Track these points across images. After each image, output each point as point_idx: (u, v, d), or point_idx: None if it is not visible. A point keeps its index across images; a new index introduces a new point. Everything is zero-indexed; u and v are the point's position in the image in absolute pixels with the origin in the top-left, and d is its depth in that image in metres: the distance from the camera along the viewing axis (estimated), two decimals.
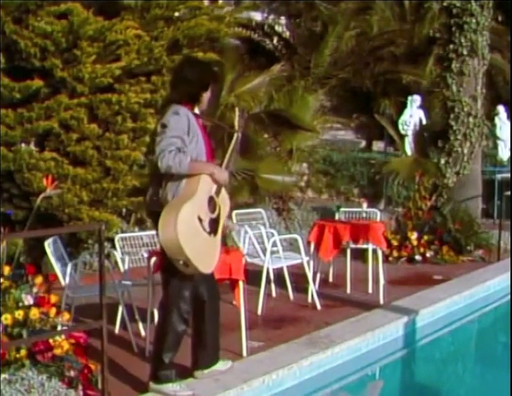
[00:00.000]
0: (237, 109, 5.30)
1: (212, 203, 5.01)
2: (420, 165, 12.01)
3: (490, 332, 8.51)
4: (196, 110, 5.13)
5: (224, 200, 5.14)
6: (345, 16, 16.83)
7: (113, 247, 6.74)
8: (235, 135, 5.23)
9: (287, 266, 7.67)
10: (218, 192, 5.05)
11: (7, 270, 5.05)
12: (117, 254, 6.55)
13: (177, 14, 9.06)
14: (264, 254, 7.37)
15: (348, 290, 8.27)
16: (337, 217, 8.81)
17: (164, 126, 4.89)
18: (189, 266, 4.90)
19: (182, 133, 4.88)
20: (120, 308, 6.21)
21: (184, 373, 5.40)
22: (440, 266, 9.87)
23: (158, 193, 4.99)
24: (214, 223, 5.01)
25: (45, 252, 6.01)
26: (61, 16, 7.98)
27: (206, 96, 5.15)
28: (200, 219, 4.90)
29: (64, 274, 5.92)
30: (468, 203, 11.31)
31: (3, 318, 4.72)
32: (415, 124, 13.50)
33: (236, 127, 5.26)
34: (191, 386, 5.18)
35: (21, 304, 4.88)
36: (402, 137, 13.88)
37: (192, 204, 4.85)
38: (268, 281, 7.65)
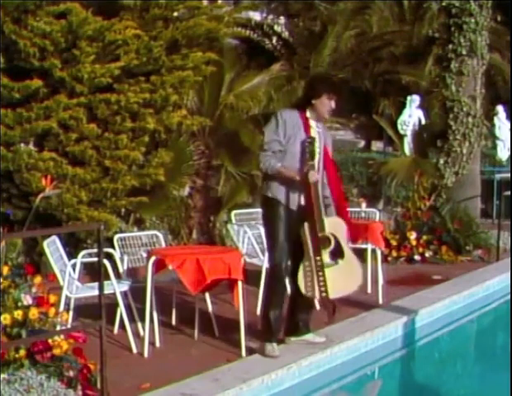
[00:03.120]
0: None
1: (323, 241, 5.71)
2: (419, 165, 12.01)
3: (490, 332, 8.51)
4: (308, 114, 5.91)
5: (335, 225, 5.81)
6: (344, 15, 16.84)
7: (112, 246, 6.74)
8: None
9: None
10: (321, 228, 5.69)
11: (5, 270, 5.05)
12: (116, 254, 6.55)
13: (176, 14, 9.05)
14: (263, 254, 7.37)
15: None
16: None
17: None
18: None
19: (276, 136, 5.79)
20: (119, 308, 6.20)
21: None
22: (439, 266, 9.88)
23: None
24: (336, 252, 5.76)
25: (44, 252, 6.02)
26: (60, 15, 7.99)
27: (320, 102, 5.86)
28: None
29: (62, 274, 5.92)
30: (467, 203, 11.30)
31: (2, 318, 4.72)
32: (414, 124, 13.49)
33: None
34: (190, 385, 5.18)
35: (20, 304, 4.88)
36: (401, 137, 13.87)
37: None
38: None
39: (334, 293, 5.81)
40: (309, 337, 6.17)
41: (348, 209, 9.09)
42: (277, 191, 5.82)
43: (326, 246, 5.74)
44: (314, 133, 5.87)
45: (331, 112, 6.01)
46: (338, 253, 5.77)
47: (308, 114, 5.91)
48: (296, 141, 5.78)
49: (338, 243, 5.77)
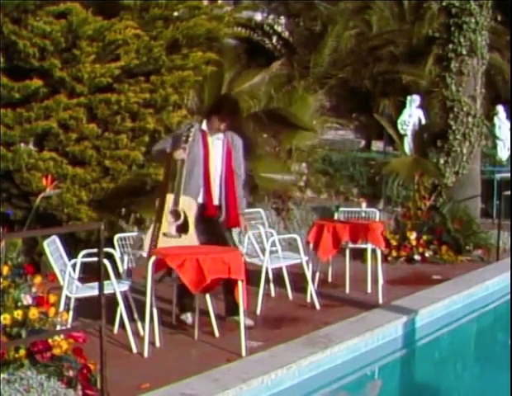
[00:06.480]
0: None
1: (175, 213, 6.39)
2: (419, 165, 11.99)
3: (489, 332, 8.52)
4: (204, 127, 6.76)
5: (190, 205, 6.48)
6: (344, 15, 16.85)
7: (112, 246, 6.74)
8: None
9: (286, 266, 7.67)
10: (176, 202, 6.41)
11: (5, 270, 5.06)
12: (116, 254, 6.55)
13: (176, 14, 9.04)
14: (263, 254, 7.37)
15: (347, 290, 8.27)
16: (336, 217, 8.81)
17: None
18: None
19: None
20: (119, 308, 6.20)
21: None
22: (439, 266, 9.87)
23: None
24: (182, 226, 6.40)
25: (44, 252, 6.02)
26: (60, 15, 7.98)
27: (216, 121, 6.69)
28: (164, 234, 6.40)
29: (62, 274, 5.92)
30: (467, 203, 11.29)
31: (2, 317, 4.72)
32: (414, 124, 13.48)
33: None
34: (190, 385, 5.19)
35: (20, 304, 4.88)
36: (401, 137, 13.86)
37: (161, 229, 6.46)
38: (267, 281, 7.64)
39: None
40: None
41: (348, 209, 9.19)
42: None
43: (176, 219, 6.40)
44: (210, 142, 6.70)
45: (222, 129, 6.72)
46: (183, 229, 6.40)
47: (204, 125, 6.75)
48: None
49: (186, 220, 6.41)
